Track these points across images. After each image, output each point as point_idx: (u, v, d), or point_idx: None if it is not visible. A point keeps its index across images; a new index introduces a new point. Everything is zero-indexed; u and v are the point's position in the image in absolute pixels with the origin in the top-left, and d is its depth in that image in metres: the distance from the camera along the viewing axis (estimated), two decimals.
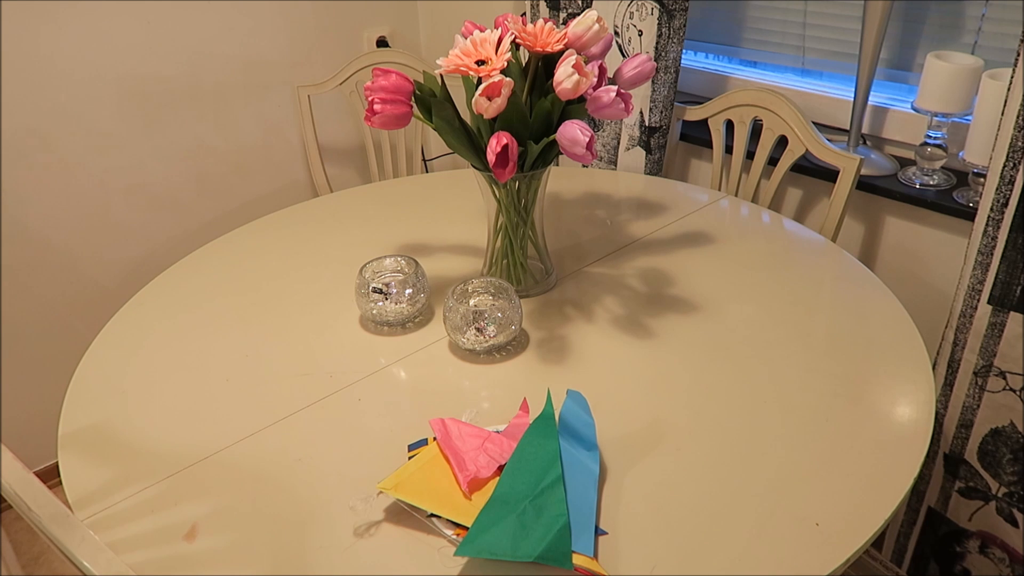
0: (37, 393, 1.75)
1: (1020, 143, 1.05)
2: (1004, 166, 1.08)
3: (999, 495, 1.25)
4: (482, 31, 0.97)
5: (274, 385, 0.98)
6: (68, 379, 1.00)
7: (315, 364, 1.02)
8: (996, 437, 1.22)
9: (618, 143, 1.69)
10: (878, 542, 1.48)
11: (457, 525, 0.76)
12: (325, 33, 1.93)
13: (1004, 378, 1.18)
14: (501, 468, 0.80)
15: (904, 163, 1.46)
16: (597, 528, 0.76)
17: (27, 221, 1.61)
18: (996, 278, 1.13)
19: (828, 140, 1.43)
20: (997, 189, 1.09)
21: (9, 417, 1.73)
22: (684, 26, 1.51)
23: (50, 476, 1.80)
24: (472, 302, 1.02)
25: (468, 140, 1.02)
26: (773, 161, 1.50)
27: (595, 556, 0.73)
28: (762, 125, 1.51)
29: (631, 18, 1.55)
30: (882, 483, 0.81)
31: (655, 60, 1.54)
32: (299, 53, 1.90)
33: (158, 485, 0.83)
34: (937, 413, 1.28)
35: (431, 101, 0.99)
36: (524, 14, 1.52)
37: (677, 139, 1.72)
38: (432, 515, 0.77)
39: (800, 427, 0.88)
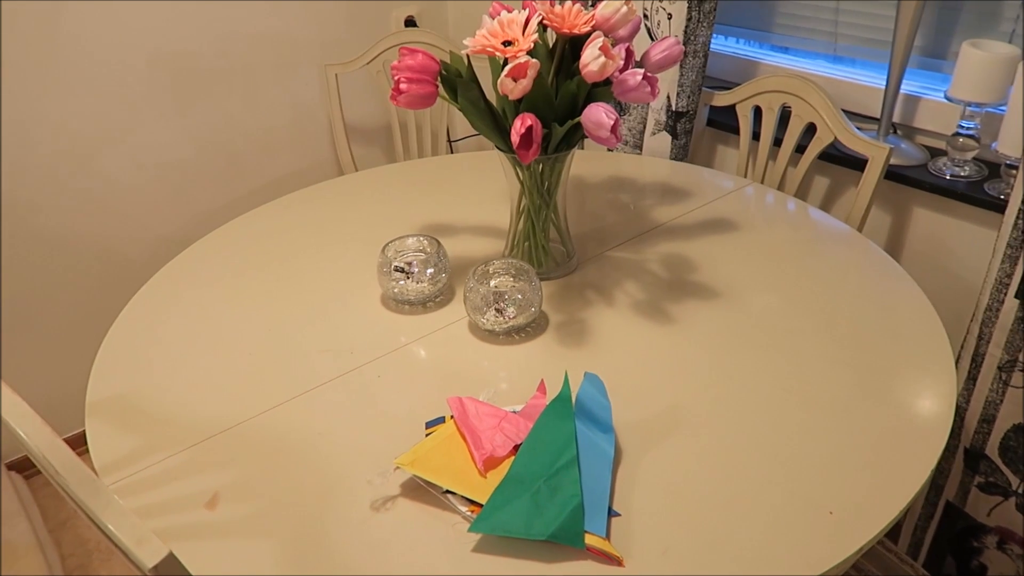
0: (66, 363, 1.79)
1: None
2: None
3: (1019, 491, 1.24)
4: (510, 12, 0.97)
5: (296, 360, 1.00)
6: (96, 349, 1.02)
7: (336, 340, 1.03)
8: (1018, 433, 1.20)
9: (644, 127, 1.68)
10: (894, 535, 1.47)
11: (472, 502, 0.77)
12: (353, 12, 1.93)
13: None
14: (517, 448, 0.81)
15: (935, 153, 1.44)
16: (610, 510, 0.77)
17: (60, 197, 1.64)
18: None
19: (858, 128, 1.41)
20: None
21: (39, 385, 1.78)
22: (714, 10, 1.49)
23: (78, 443, 1.84)
24: (493, 283, 1.03)
25: (493, 121, 1.02)
26: (801, 148, 1.49)
27: (607, 537, 0.74)
28: (790, 112, 1.49)
29: (661, 0, 1.53)
30: (899, 475, 0.80)
31: (684, 44, 1.52)
32: (327, 32, 1.91)
33: (181, 454, 0.85)
34: (959, 407, 1.26)
35: (457, 81, 0.99)
36: None
37: (704, 125, 1.70)
38: (447, 491, 0.78)
39: (818, 416, 0.88)
